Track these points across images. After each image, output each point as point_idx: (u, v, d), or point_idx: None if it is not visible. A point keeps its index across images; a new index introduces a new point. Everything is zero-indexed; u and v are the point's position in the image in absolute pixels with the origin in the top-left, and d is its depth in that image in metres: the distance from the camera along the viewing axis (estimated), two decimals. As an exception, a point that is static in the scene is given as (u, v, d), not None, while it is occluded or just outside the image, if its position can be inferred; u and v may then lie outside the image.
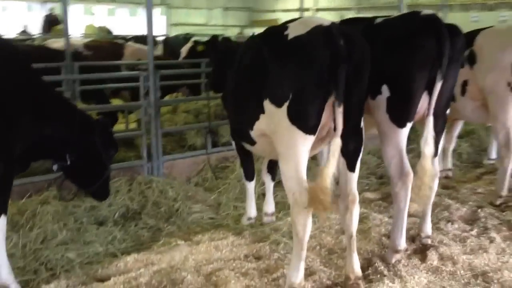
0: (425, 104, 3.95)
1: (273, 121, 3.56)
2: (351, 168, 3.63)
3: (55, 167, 4.24)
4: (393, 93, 3.90)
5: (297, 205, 3.50)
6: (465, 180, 6.53)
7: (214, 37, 5.56)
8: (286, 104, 3.40)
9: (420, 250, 4.42)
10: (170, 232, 5.02)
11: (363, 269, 3.99)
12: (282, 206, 5.43)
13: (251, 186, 5.13)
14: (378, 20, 4.20)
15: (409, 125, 3.98)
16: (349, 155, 3.60)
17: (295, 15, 29.49)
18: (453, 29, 3.99)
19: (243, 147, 4.75)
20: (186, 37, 12.32)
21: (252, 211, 5.18)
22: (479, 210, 5.29)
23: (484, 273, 4.01)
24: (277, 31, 3.71)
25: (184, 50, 9.82)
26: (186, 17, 30.40)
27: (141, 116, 6.10)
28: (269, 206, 5.18)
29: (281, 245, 4.55)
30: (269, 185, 5.17)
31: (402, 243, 4.18)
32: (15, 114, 3.61)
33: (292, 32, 3.49)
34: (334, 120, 3.37)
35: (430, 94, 3.88)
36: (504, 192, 5.50)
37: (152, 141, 6.05)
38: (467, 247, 4.48)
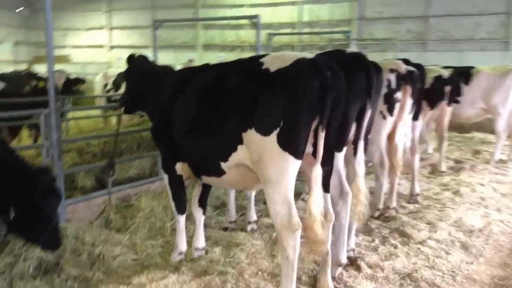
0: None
1: (257, 150, 3.73)
2: (326, 189, 4.01)
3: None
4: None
5: (286, 228, 3.71)
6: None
7: (132, 55, 5.39)
8: (276, 132, 3.63)
9: (350, 262, 5.00)
10: (100, 280, 4.66)
11: (313, 285, 4.39)
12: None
13: (182, 219, 5.09)
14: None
15: (345, 149, 4.55)
16: (324, 177, 3.93)
17: (87, 51, 28.76)
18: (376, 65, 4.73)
19: (178, 180, 4.75)
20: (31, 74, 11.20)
21: (183, 246, 5.12)
22: (368, 223, 6.18)
23: (408, 274, 4.76)
24: (252, 66, 3.91)
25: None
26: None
27: (44, 158, 5.44)
28: (200, 240, 5.21)
29: (229, 275, 4.64)
30: (200, 218, 5.20)
31: (344, 258, 4.69)
32: None
33: (272, 65, 3.76)
34: (314, 145, 3.73)
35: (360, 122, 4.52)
36: (381, 205, 6.53)
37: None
38: (381, 254, 5.23)
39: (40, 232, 4.10)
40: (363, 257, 5.10)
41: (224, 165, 4.04)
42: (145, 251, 5.30)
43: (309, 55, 3.86)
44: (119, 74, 11.14)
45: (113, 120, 9.78)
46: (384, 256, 5.18)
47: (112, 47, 30.87)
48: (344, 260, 4.69)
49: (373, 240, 5.67)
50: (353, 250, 5.18)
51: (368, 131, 4.88)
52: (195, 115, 4.22)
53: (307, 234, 3.75)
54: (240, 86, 3.87)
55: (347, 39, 14.77)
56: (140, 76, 5.19)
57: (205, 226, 6.09)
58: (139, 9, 29.07)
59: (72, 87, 8.84)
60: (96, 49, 31.00)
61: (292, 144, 3.64)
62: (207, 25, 27.26)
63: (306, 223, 3.71)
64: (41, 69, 19.03)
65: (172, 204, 5.04)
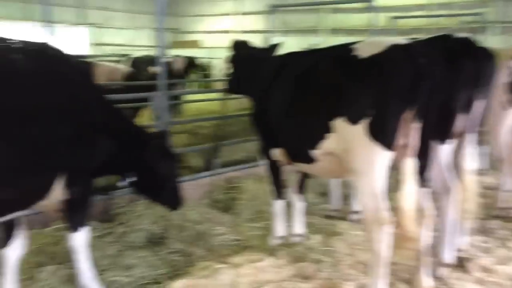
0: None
1: (345, 139, 3.63)
2: (422, 184, 3.75)
3: (123, 183, 4.25)
4: None
5: (373, 222, 3.58)
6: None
7: (236, 40, 5.55)
8: (364, 121, 3.49)
9: (458, 263, 4.64)
10: (201, 255, 4.88)
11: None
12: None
13: (280, 204, 5.11)
14: None
15: (450, 141, 4.19)
16: (420, 170, 3.68)
17: (219, 36, 29.94)
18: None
19: (275, 165, 4.77)
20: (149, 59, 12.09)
21: (280, 230, 5.16)
22: (485, 222, 5.64)
23: (522, 281, 4.30)
24: (344, 52, 3.79)
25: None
26: (109, 37, 29.67)
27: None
28: (299, 226, 5.20)
29: (323, 263, 4.58)
30: (298, 205, 5.18)
31: (450, 257, 4.37)
32: (93, 134, 3.66)
33: (363, 51, 3.61)
34: (408, 137, 3.50)
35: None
36: (502, 204, 5.93)
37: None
38: (495, 257, 4.77)
39: (159, 192, 4.41)
40: (473, 258, 4.68)
41: (314, 153, 3.97)
42: (245, 233, 5.44)
43: (404, 41, 3.61)
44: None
45: (230, 103, 10.11)
46: (498, 260, 4.72)
47: (239, 32, 31.83)
48: (449, 260, 4.36)
49: (488, 241, 5.19)
50: (463, 250, 4.79)
51: (479, 123, 4.46)
52: (288, 101, 4.19)
53: (397, 230, 3.55)
54: (329, 72, 3.76)
55: (482, 22, 13.52)
56: (243, 61, 5.29)
57: (308, 213, 6.09)
58: (266, -6, 29.52)
59: (190, 72, 9.27)
60: (224, 35, 32.22)
61: (381, 135, 3.46)
62: (333, 9, 26.81)
63: (396, 218, 3.52)
64: (177, 54, 20.30)
65: (269, 189, 5.08)
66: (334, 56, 3.92)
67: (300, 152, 4.18)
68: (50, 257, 4.35)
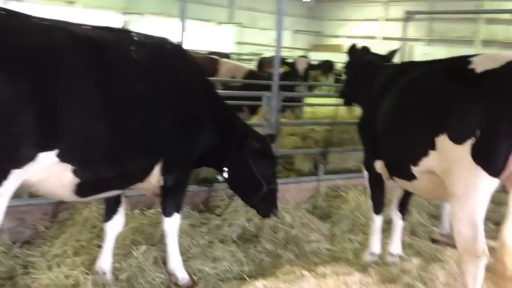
0: None
1: (447, 159, 3.34)
2: None
3: (221, 178, 4.38)
4: None
5: (467, 252, 3.26)
6: None
7: (353, 46, 5.37)
8: (470, 141, 3.18)
9: None
10: (290, 259, 4.85)
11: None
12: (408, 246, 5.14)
13: (378, 220, 4.86)
14: None
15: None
16: None
17: (360, 42, 29.35)
18: None
19: (378, 178, 4.55)
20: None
21: (376, 247, 4.91)
22: None
23: None
24: (458, 65, 3.52)
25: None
26: (253, 36, 30.81)
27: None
28: (395, 246, 4.90)
29: (414, 290, 4.27)
30: (398, 223, 4.89)
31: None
32: (196, 128, 3.92)
33: (479, 65, 3.29)
34: None
35: None
36: None
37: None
38: None
39: (250, 195, 4.39)
40: None
41: (415, 170, 3.71)
42: (340, 244, 5.28)
43: None
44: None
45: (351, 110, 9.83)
46: None
47: (384, 39, 30.95)
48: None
49: None
50: None
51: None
52: (394, 112, 3.97)
53: (496, 267, 3.18)
54: (439, 85, 3.48)
55: None
56: (358, 68, 5.12)
57: (412, 233, 5.73)
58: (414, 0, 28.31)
59: (311, 74, 9.23)
60: (368, 40, 31.60)
61: (487, 158, 3.12)
62: (490, 19, 24.82)
63: (496, 253, 3.15)
64: (317, 57, 20.45)
65: (370, 202, 4.87)
66: (447, 68, 3.64)
67: (400, 167, 3.96)
68: (147, 237, 4.64)
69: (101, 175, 3.30)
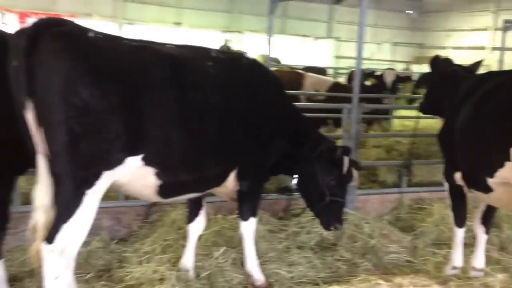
0: None
1: None
2: None
3: (293, 185, 4.53)
4: None
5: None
6: None
7: (436, 57, 5.29)
8: None
9: None
10: (367, 268, 4.87)
11: None
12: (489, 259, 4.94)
13: (460, 233, 4.72)
14: None
15: None
16: None
17: (468, 53, 27.78)
18: None
19: (458, 190, 4.45)
20: (368, 72, 12.16)
21: (458, 261, 4.77)
22: None
23: None
24: None
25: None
26: (351, 50, 30.55)
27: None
28: (479, 260, 4.72)
29: (498, 306, 4.11)
30: (481, 237, 4.71)
31: None
32: (270, 139, 4.18)
33: None
34: None
35: None
36: None
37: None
38: None
39: (313, 204, 4.45)
40: None
41: (490, 181, 3.62)
42: (421, 256, 5.19)
43: None
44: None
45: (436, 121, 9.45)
46: None
47: (494, 49, 29.17)
48: None
49: None
50: None
51: None
52: (470, 123, 3.90)
53: None
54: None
55: None
56: (440, 79, 5.02)
57: (502, 249, 5.47)
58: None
59: (398, 86, 9.06)
60: (477, 51, 29.96)
61: None
62: None
63: None
64: (418, 69, 19.79)
65: (451, 215, 4.75)
66: None
67: (476, 179, 3.88)
68: (227, 240, 4.92)
69: (181, 179, 3.63)
